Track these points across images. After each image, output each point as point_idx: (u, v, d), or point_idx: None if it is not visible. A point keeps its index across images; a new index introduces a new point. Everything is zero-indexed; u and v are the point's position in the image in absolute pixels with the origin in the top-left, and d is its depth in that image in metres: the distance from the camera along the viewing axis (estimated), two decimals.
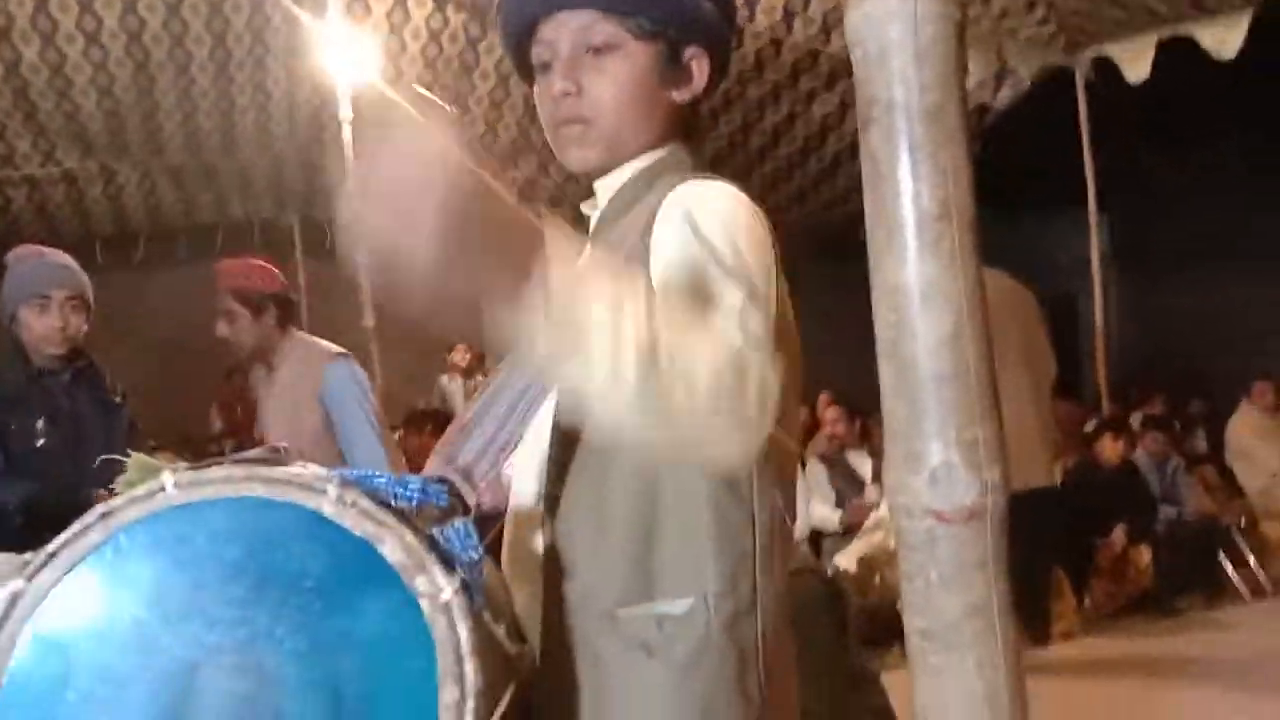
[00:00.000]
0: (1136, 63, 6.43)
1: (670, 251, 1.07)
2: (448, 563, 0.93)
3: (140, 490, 0.94)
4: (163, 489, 0.94)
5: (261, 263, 3.32)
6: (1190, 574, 6.28)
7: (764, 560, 1.14)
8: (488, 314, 0.88)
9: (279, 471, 0.95)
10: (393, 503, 0.96)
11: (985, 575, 0.81)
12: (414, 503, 0.98)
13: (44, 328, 2.75)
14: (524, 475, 1.21)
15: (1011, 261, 4.46)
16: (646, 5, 1.18)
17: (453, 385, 7.96)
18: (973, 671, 0.81)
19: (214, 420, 7.11)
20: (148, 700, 0.91)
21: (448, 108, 1.65)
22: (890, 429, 0.85)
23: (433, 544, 0.94)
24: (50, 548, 0.93)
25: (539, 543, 1.17)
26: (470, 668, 0.90)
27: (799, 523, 1.44)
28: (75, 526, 0.93)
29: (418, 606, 0.91)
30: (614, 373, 0.87)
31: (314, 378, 3.13)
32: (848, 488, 5.80)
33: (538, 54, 1.23)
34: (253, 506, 0.93)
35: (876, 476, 5.64)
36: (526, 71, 1.27)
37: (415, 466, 2.53)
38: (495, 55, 6.78)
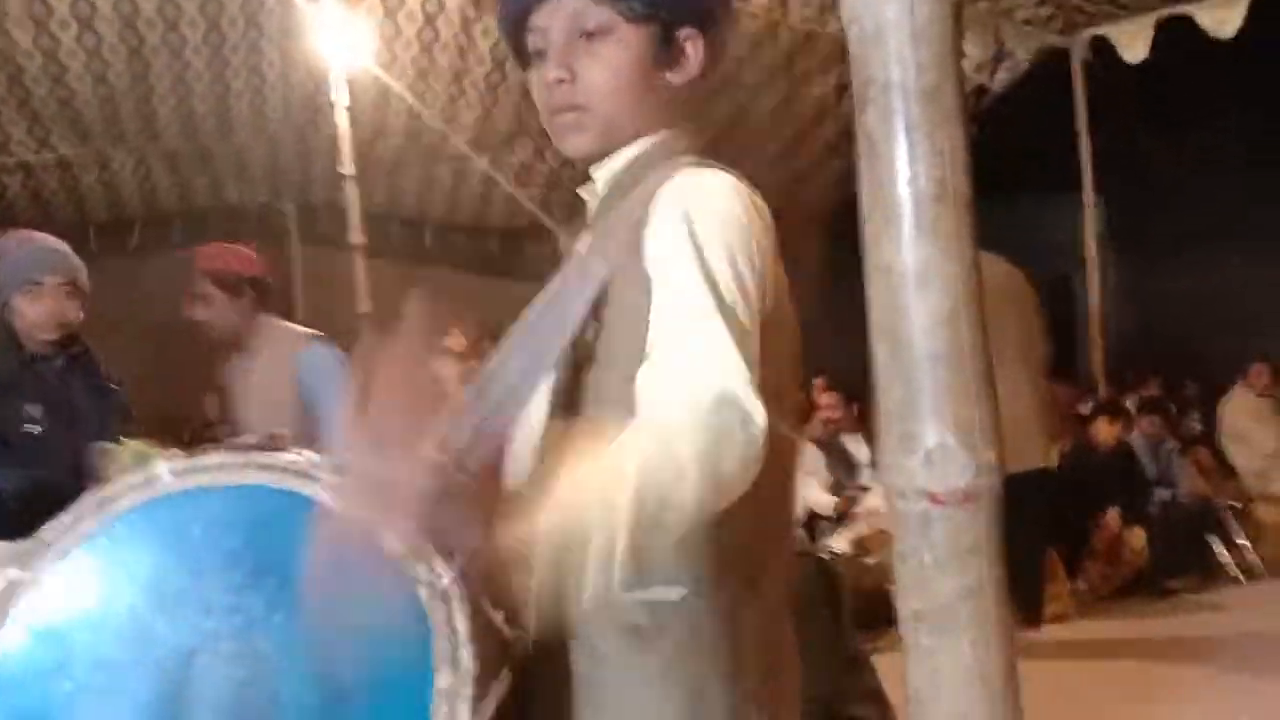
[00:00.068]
0: (1134, 43, 6.41)
1: (670, 274, 1.07)
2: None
3: (136, 478, 0.94)
4: (159, 476, 0.94)
5: (239, 246, 3.31)
6: (1184, 556, 6.30)
7: (760, 547, 1.14)
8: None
9: (275, 459, 0.95)
10: None
11: (979, 557, 0.82)
12: None
13: (37, 314, 2.74)
14: (519, 460, 1.21)
15: (1008, 244, 4.46)
16: None
17: (447, 370, 7.95)
18: (966, 653, 0.81)
19: (210, 406, 7.11)
20: (145, 687, 0.91)
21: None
22: (885, 410, 0.85)
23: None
24: (46, 535, 0.93)
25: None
26: (466, 654, 0.90)
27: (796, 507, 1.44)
28: (71, 514, 0.93)
29: (416, 593, 0.91)
30: (619, 545, 0.94)
31: (290, 362, 3.12)
32: (843, 472, 5.81)
33: (532, 41, 1.23)
34: (249, 494, 0.93)
35: (873, 461, 5.65)
36: (523, 58, 1.26)
37: None
38: (491, 39, 6.75)
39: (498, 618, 1.02)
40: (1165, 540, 6.24)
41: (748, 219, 1.11)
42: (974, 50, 6.57)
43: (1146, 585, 6.13)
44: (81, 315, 2.81)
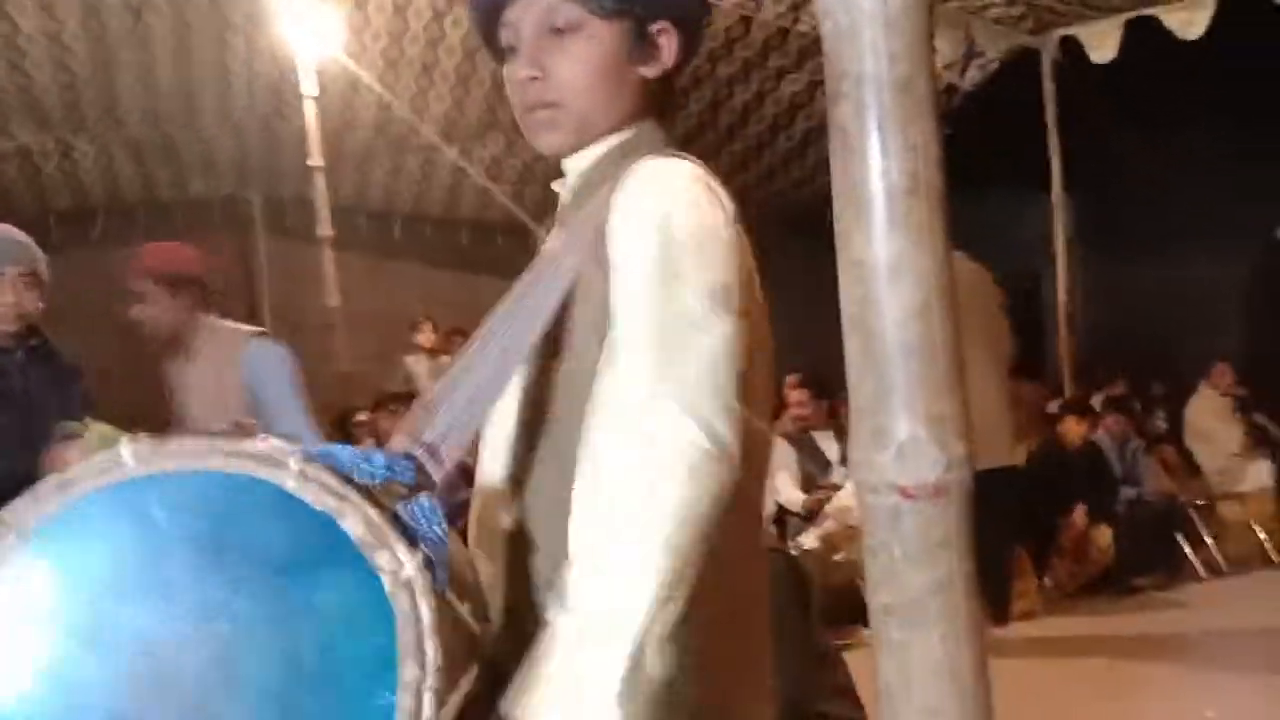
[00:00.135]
0: (1103, 44, 6.47)
1: (630, 287, 1.08)
2: (411, 539, 0.92)
3: (98, 460, 0.92)
4: (121, 460, 0.92)
5: (181, 245, 3.29)
6: (1150, 553, 6.38)
7: (730, 542, 1.13)
8: None
9: (240, 444, 0.94)
10: (356, 478, 0.95)
11: (949, 551, 0.81)
12: (378, 479, 0.97)
13: None
14: (491, 453, 1.20)
15: (977, 242, 4.48)
16: None
17: (418, 365, 7.92)
18: (936, 647, 0.80)
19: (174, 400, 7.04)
20: (106, 672, 0.90)
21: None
22: (856, 404, 0.84)
23: (396, 520, 0.93)
24: (4, 516, 0.91)
25: (505, 521, 1.16)
26: (431, 646, 0.89)
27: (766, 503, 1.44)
28: (30, 495, 0.92)
29: (379, 582, 0.90)
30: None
31: (235, 360, 3.10)
32: (814, 468, 5.82)
33: (505, 37, 1.22)
34: (213, 479, 0.92)
35: (844, 459, 5.66)
36: (497, 52, 1.25)
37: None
38: (462, 29, 6.72)
39: (464, 610, 1.01)
40: (1131, 538, 6.31)
41: (711, 215, 1.11)
42: (945, 48, 6.61)
43: (1113, 582, 6.20)
44: (42, 306, 2.77)
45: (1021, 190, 9.06)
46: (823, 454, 5.88)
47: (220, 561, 0.91)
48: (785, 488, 5.66)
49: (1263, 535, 6.93)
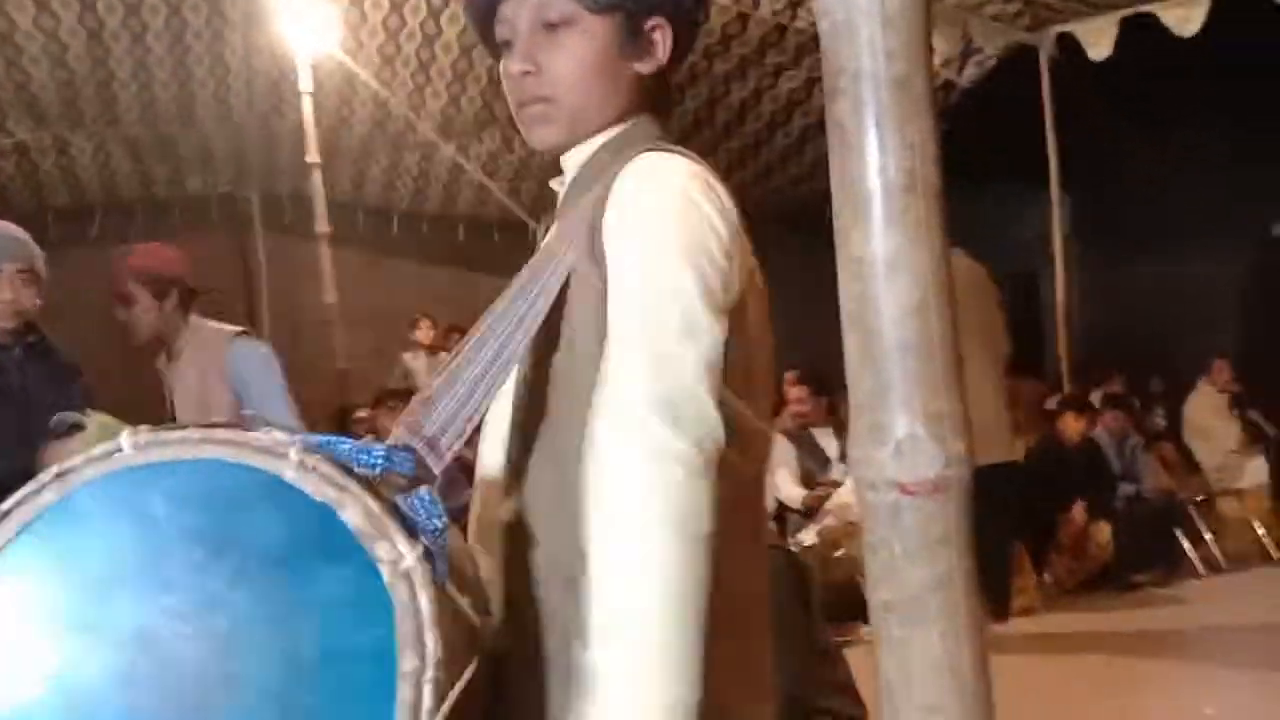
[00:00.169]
0: (1099, 41, 6.47)
1: (629, 285, 1.08)
2: (410, 530, 0.92)
3: (97, 450, 0.92)
4: (120, 449, 0.92)
5: (165, 247, 3.31)
6: (1149, 550, 6.38)
7: (731, 540, 1.13)
8: None
9: (239, 435, 0.94)
10: (356, 469, 0.95)
11: (949, 548, 0.81)
12: (378, 470, 0.96)
13: None
14: (491, 445, 1.21)
15: (975, 239, 4.49)
16: None
17: (416, 362, 7.92)
18: (936, 643, 0.80)
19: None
20: (103, 663, 0.89)
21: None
22: (855, 401, 0.84)
23: (395, 511, 0.93)
24: (4, 506, 0.91)
25: (503, 514, 1.16)
26: (430, 637, 0.89)
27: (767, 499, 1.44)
28: (30, 486, 0.92)
29: (378, 573, 0.90)
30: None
31: (218, 360, 3.12)
32: (814, 465, 5.82)
33: (500, 32, 1.23)
34: (212, 469, 0.92)
35: (843, 456, 5.67)
36: (493, 48, 1.26)
37: None
38: (458, 26, 6.71)
39: (464, 603, 1.01)
40: (1130, 534, 6.31)
41: (708, 212, 1.11)
42: (942, 46, 6.61)
43: (1112, 579, 6.21)
44: (39, 302, 2.77)
45: (1019, 187, 9.07)
46: (822, 451, 5.88)
47: (219, 552, 0.91)
48: (785, 484, 5.66)
49: (1261, 531, 6.94)
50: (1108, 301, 10.30)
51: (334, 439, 0.96)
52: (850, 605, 4.17)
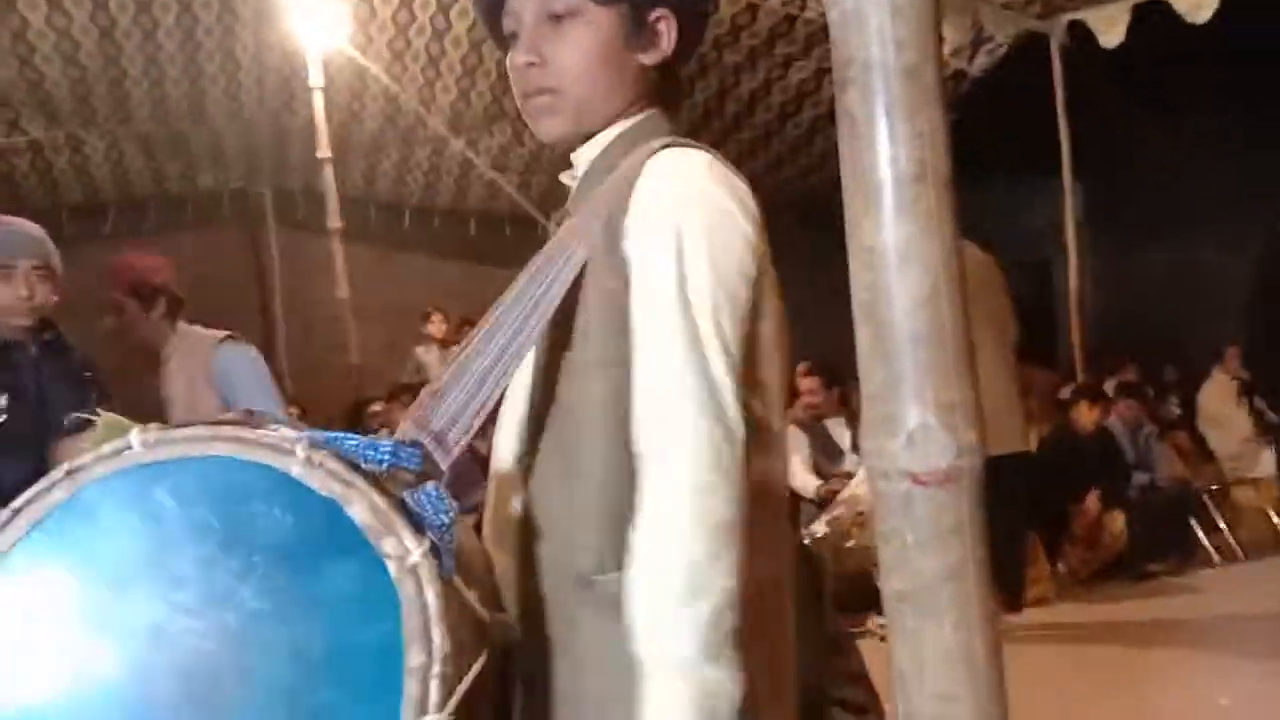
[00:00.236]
0: (1111, 28, 6.43)
1: (654, 286, 1.09)
2: (417, 526, 0.93)
3: (106, 448, 0.93)
4: (129, 447, 0.93)
5: (153, 256, 3.36)
6: (1163, 539, 6.36)
7: (755, 533, 1.13)
8: None
9: (247, 432, 0.94)
10: (363, 465, 0.95)
11: (962, 538, 0.81)
12: (385, 466, 0.97)
13: (8, 297, 2.69)
14: (504, 439, 1.21)
15: (986, 228, 4.47)
16: None
17: (429, 356, 7.93)
18: (949, 633, 0.80)
19: None
20: (112, 658, 0.90)
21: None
22: (867, 392, 0.84)
23: (402, 506, 0.93)
24: (15, 504, 0.92)
25: (517, 506, 1.17)
26: (437, 632, 0.89)
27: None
28: (41, 483, 0.93)
29: (385, 568, 0.90)
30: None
31: (205, 365, 3.17)
32: (825, 456, 5.82)
33: (507, 24, 1.23)
34: (220, 466, 0.92)
35: (855, 446, 5.66)
36: (501, 42, 1.26)
37: None
38: (468, 20, 6.71)
39: (472, 597, 1.01)
40: (1144, 524, 6.29)
41: (729, 212, 1.12)
42: (953, 34, 6.58)
43: (1126, 568, 6.18)
44: (55, 299, 2.78)
45: (1030, 176, 9.02)
46: (834, 442, 5.88)
47: (227, 548, 0.91)
48: (799, 473, 5.66)
49: (1277, 521, 6.91)
50: (1121, 289, 10.25)
51: (341, 435, 0.97)
52: (861, 596, 4.17)
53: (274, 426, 0.96)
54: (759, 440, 1.11)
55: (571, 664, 1.12)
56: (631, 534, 1.07)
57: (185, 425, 0.95)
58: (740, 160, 1.26)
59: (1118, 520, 6.30)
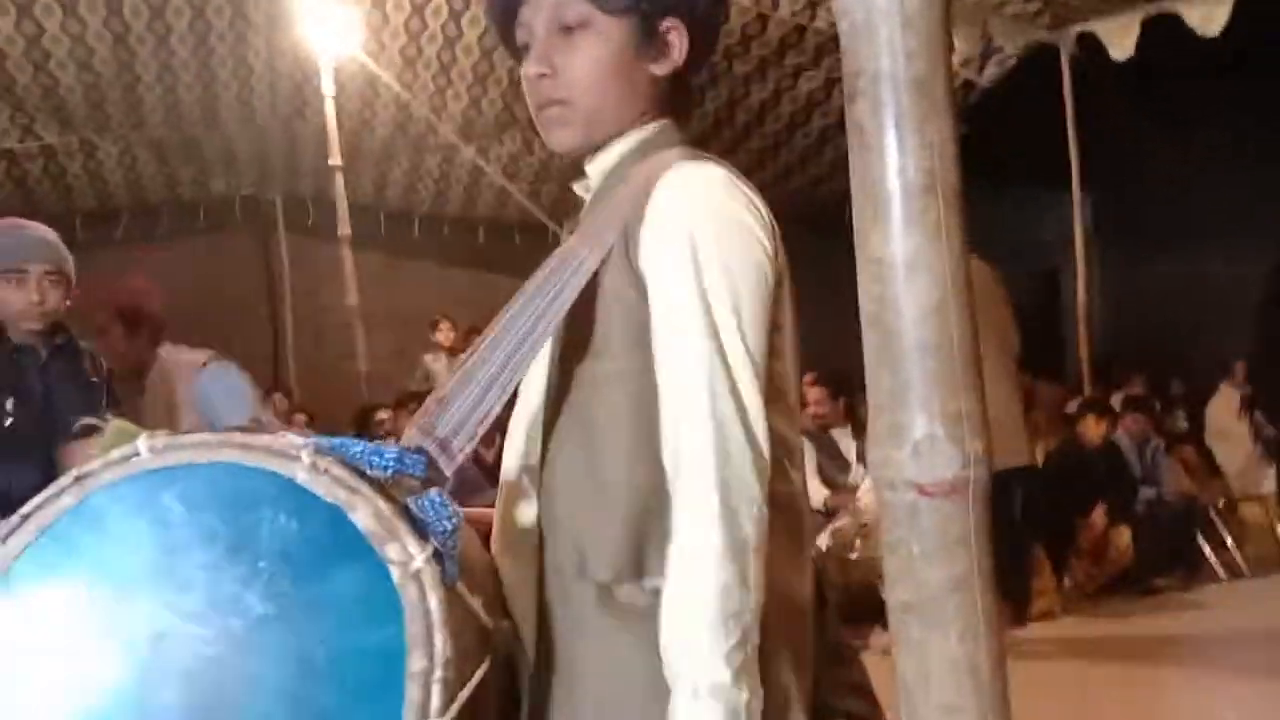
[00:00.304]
0: (1122, 40, 6.43)
1: (673, 300, 1.10)
2: (421, 532, 0.93)
3: (115, 454, 0.93)
4: (138, 453, 0.93)
5: (139, 281, 3.41)
6: (1169, 554, 6.32)
7: (776, 550, 1.13)
8: None
9: (253, 438, 0.95)
10: (368, 471, 0.95)
11: (967, 548, 0.81)
12: (390, 472, 0.97)
13: (20, 302, 2.70)
14: (514, 447, 1.21)
15: (995, 240, 4.47)
16: None
17: (437, 364, 7.94)
18: (954, 644, 0.80)
19: None
20: (117, 662, 0.90)
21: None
22: (874, 401, 0.84)
23: (406, 513, 0.94)
24: (24, 509, 0.92)
25: (530, 512, 1.17)
26: (440, 637, 0.89)
27: None
28: (50, 489, 0.93)
29: (388, 574, 0.91)
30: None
31: (187, 387, 3.24)
32: (832, 466, 5.81)
33: (519, 36, 1.24)
34: (227, 472, 0.93)
35: (861, 457, 5.65)
36: (514, 52, 1.27)
37: None
38: (479, 28, 6.74)
39: (476, 603, 1.01)
40: (1151, 538, 6.26)
41: (744, 226, 1.12)
42: (962, 45, 6.58)
43: (1132, 583, 6.15)
44: (67, 304, 2.79)
45: (1039, 188, 9.03)
46: (841, 452, 5.87)
47: (233, 553, 0.92)
48: (808, 482, 5.65)
49: None
50: (1129, 302, 10.23)
51: (346, 441, 0.97)
52: (866, 608, 4.16)
53: (281, 433, 0.96)
54: (781, 456, 1.11)
55: (578, 670, 1.12)
56: (649, 547, 1.08)
57: (192, 432, 0.95)
58: (750, 170, 1.26)
59: (1124, 535, 6.27)
